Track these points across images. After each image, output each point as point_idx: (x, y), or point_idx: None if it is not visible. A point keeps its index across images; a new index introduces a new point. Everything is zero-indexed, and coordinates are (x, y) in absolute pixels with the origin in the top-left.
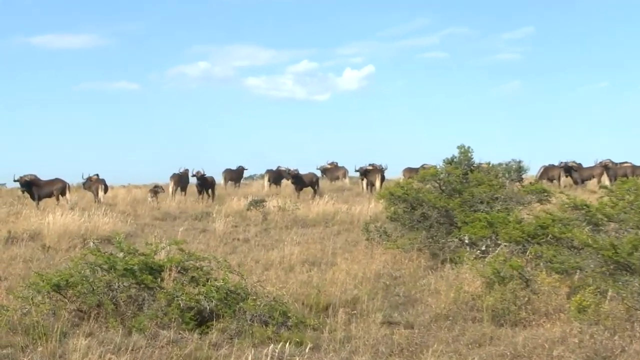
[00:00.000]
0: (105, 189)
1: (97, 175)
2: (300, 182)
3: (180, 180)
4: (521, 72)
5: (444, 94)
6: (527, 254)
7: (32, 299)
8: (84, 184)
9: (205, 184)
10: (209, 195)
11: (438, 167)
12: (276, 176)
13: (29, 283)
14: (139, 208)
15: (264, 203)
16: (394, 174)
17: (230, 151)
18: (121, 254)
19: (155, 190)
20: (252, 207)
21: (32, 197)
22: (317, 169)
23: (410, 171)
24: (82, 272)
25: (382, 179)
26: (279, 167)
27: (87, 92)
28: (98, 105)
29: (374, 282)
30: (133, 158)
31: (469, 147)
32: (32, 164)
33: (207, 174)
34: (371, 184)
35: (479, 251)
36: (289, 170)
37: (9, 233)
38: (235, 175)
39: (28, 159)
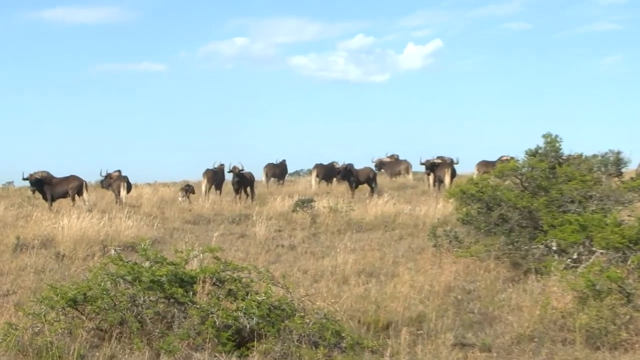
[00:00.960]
0: (128, 188)
1: (119, 171)
2: (354, 178)
3: (215, 177)
4: (622, 44)
5: (526, 73)
6: (629, 263)
7: (44, 316)
8: (102, 182)
9: (244, 181)
10: (247, 195)
11: (519, 160)
12: (327, 172)
13: (41, 297)
14: (167, 210)
15: (313, 203)
16: (466, 168)
17: (273, 143)
18: (147, 264)
19: (187, 189)
20: (298, 208)
21: (44, 198)
22: (373, 162)
23: (485, 165)
24: (102, 284)
25: (453, 174)
26: (332, 162)
27: (105, 74)
28: (118, 91)
29: (443, 297)
30: (159, 152)
31: (556, 136)
32: (43, 159)
33: (246, 170)
34: (439, 181)
35: (569, 260)
36: (341, 164)
37: (18, 239)
38: (278, 171)
39: (38, 153)
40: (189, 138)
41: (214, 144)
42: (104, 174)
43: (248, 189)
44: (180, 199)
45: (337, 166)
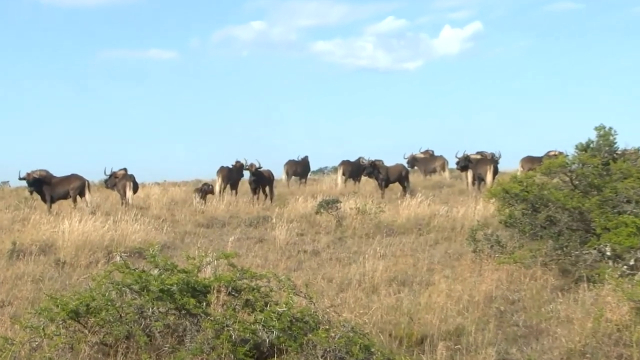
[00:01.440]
0: (135, 188)
1: (125, 170)
2: (383, 176)
3: (230, 175)
4: None
5: (576, 59)
6: None
7: (43, 329)
8: (107, 181)
9: (262, 179)
10: (266, 195)
11: (568, 155)
12: (354, 169)
13: (40, 309)
14: (178, 212)
15: (338, 204)
16: (508, 165)
17: (294, 138)
18: (156, 271)
19: (204, 188)
20: (322, 210)
21: (43, 199)
22: (406, 159)
23: (530, 161)
24: (107, 294)
25: (495, 171)
26: (359, 158)
27: (110, 62)
28: (123, 81)
29: (484, 308)
30: (168, 148)
31: (610, 129)
32: (42, 157)
33: (264, 167)
34: (479, 179)
35: (625, 267)
36: (366, 160)
37: (14, 245)
38: (300, 169)
39: (37, 151)
40: (201, 133)
41: (228, 140)
42: (108, 172)
43: (267, 188)
44: (195, 200)
45: (364, 162)
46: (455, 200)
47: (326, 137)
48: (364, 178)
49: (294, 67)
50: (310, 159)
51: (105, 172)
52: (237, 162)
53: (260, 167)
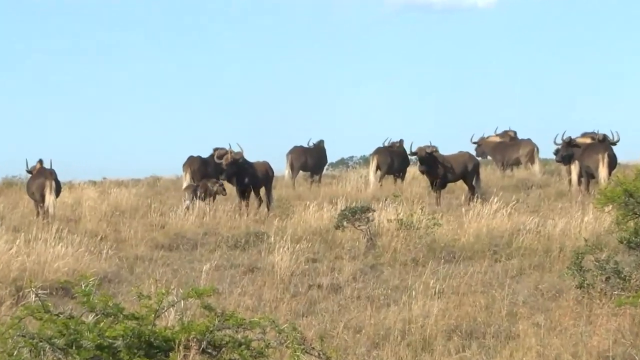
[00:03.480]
0: (58, 190)
1: (41, 162)
2: (441, 170)
3: (204, 170)
4: None
5: None
6: None
7: None
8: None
9: (246, 175)
10: (260, 200)
11: None
12: (394, 160)
13: None
14: (125, 226)
15: (371, 214)
16: (631, 154)
17: (303, 114)
18: (91, 318)
19: (207, 186)
20: (346, 223)
21: None
22: (475, 144)
23: None
24: (15, 354)
25: (611, 163)
26: (395, 142)
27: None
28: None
29: None
30: (111, 132)
31: None
32: None
33: (259, 159)
34: (588, 174)
35: None
36: (418, 146)
37: None
38: (311, 160)
39: None
40: (159, 109)
41: (203, 118)
42: (27, 167)
43: (261, 190)
44: (185, 204)
45: (396, 145)
46: (551, 207)
47: (351, 111)
48: (410, 173)
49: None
50: (327, 146)
51: (27, 167)
52: (216, 150)
53: (240, 158)
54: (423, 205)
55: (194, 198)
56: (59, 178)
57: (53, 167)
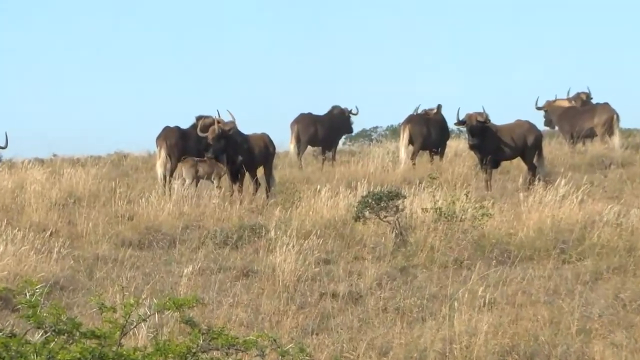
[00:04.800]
0: None
1: None
2: (492, 143)
3: (183, 144)
4: None
5: None
6: None
7: None
8: None
9: (239, 152)
10: (257, 184)
11: None
12: (429, 132)
13: None
14: (82, 217)
15: (400, 201)
16: None
17: (313, 76)
18: (39, 335)
19: (212, 166)
20: (368, 213)
21: None
22: (540, 109)
23: None
24: None
25: None
26: (427, 110)
27: None
28: None
29: None
30: (62, 99)
31: None
32: None
33: (249, 130)
34: None
35: None
36: (466, 114)
37: None
38: (323, 131)
39: None
40: (126, 69)
41: (183, 80)
42: None
43: (258, 170)
44: (185, 184)
45: (432, 112)
46: (636, 192)
47: (374, 73)
48: (452, 148)
49: None
50: (343, 113)
51: None
52: (200, 119)
53: (230, 129)
54: (468, 189)
55: (195, 177)
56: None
57: None
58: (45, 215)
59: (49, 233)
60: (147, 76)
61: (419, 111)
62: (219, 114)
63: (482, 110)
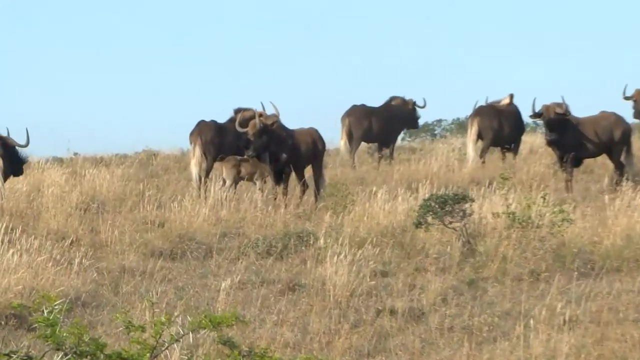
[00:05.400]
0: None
1: None
2: (570, 139)
3: (220, 140)
4: None
5: None
6: None
7: None
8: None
9: (284, 149)
10: (304, 185)
11: None
12: (501, 124)
13: None
14: (106, 223)
15: (468, 205)
16: None
17: (368, 64)
18: (57, 357)
19: (256, 165)
20: (431, 217)
21: None
22: (628, 99)
23: None
24: None
25: None
26: (495, 102)
27: None
28: None
29: None
30: (85, 93)
31: None
32: None
33: (295, 125)
34: None
35: None
36: (543, 105)
37: None
38: (378, 126)
39: None
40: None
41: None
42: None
43: (306, 170)
44: (225, 185)
45: (504, 103)
46: None
47: (437, 59)
48: (527, 145)
49: None
50: (402, 106)
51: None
52: (239, 112)
53: (273, 123)
54: (546, 191)
55: (237, 178)
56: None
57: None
58: (64, 221)
59: (69, 242)
60: (181, 66)
61: (490, 101)
62: (263, 106)
63: (561, 101)
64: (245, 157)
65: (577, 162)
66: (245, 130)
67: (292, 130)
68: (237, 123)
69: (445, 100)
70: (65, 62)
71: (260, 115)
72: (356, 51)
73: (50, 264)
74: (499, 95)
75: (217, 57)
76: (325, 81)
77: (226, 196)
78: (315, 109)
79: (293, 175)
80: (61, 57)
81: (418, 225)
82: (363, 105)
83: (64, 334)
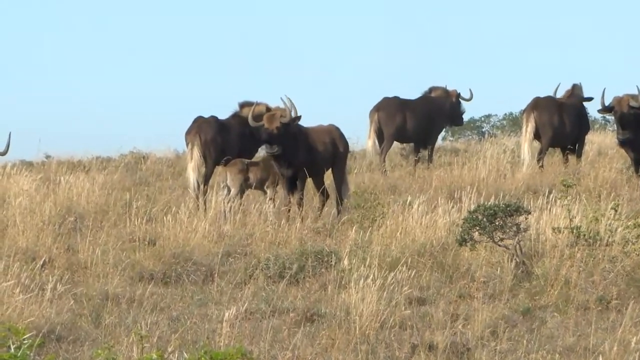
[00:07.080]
0: None
1: None
2: None
3: (223, 139)
4: None
5: None
6: None
7: None
8: None
9: (299, 150)
10: (325, 195)
11: None
12: (563, 120)
13: None
14: (86, 241)
15: (522, 218)
16: None
17: (402, 52)
18: None
19: (267, 170)
20: (478, 233)
21: None
22: None
23: None
24: None
25: None
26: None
27: None
28: None
29: None
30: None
31: None
32: None
33: (313, 122)
34: None
35: None
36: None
37: None
38: (413, 123)
39: None
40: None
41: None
42: None
43: (326, 176)
44: (230, 194)
45: (567, 95)
46: None
47: (485, 47)
48: (594, 145)
49: None
50: (442, 96)
51: None
52: (244, 105)
53: (288, 120)
54: (618, 202)
55: (245, 186)
56: None
57: None
58: (35, 238)
59: (40, 263)
60: (173, 56)
61: (550, 93)
62: (284, 101)
63: (637, 93)
64: (254, 159)
65: None
66: (259, 124)
67: (308, 128)
68: (249, 117)
69: (495, 92)
70: (35, 49)
71: (275, 110)
72: (391, 32)
73: (18, 289)
74: (561, 86)
75: (215, 47)
76: (348, 68)
77: (230, 207)
78: (335, 102)
79: (310, 182)
80: (31, 44)
81: (462, 242)
82: (396, 98)
83: None
